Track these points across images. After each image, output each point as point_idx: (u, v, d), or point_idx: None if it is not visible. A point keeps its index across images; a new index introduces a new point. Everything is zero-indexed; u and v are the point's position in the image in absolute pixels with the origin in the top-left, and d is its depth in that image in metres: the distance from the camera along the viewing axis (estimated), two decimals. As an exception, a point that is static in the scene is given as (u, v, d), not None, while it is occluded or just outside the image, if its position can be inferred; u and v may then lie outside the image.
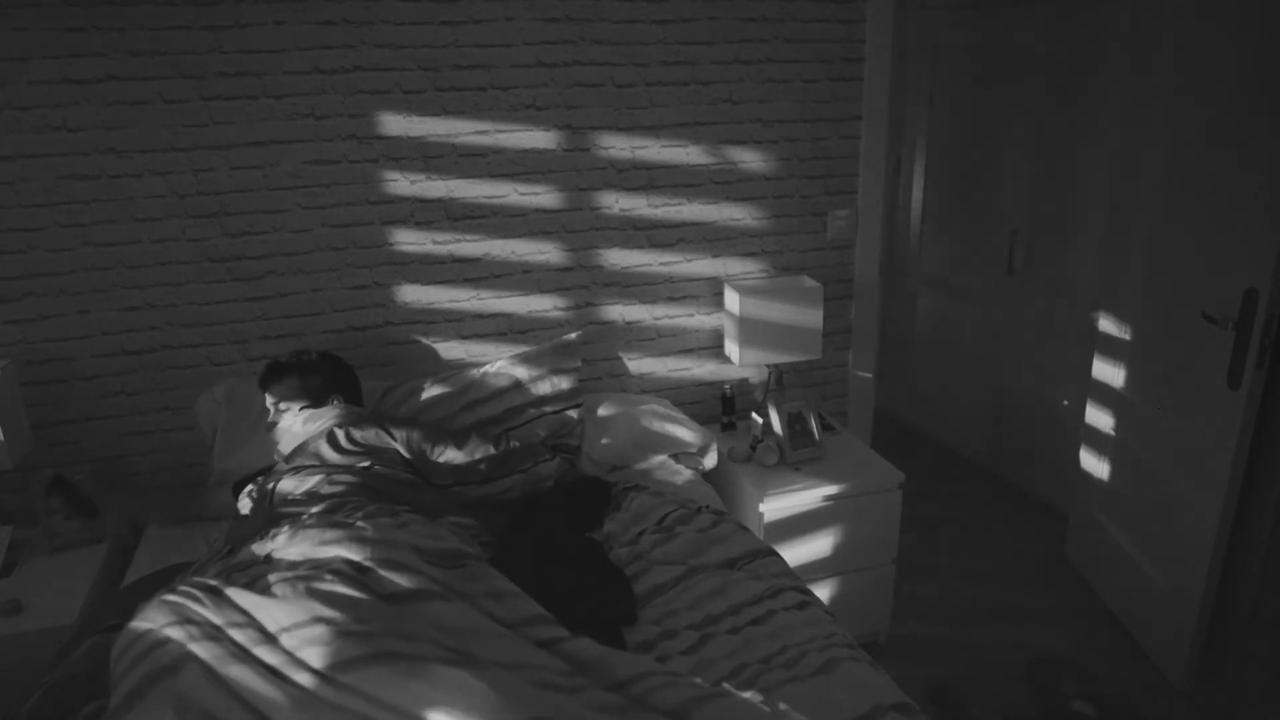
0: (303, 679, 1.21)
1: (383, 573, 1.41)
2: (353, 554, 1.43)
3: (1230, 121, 2.20)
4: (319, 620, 1.27)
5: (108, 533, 2.22)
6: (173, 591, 1.36)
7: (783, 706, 1.36)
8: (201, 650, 1.26)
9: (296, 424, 2.04)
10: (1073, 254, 3.18)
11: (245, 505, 2.00)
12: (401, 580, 1.40)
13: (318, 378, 2.11)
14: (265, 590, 1.37)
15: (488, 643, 1.35)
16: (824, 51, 2.61)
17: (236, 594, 1.35)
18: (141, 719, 1.19)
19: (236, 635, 1.28)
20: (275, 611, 1.30)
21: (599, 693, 1.32)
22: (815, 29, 2.58)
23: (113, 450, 2.37)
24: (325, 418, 2.04)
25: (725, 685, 1.43)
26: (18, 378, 2.20)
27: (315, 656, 1.22)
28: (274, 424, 2.07)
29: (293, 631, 1.26)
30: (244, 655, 1.26)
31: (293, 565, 1.45)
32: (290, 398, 2.07)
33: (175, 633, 1.28)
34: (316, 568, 1.41)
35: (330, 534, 1.49)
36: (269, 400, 2.09)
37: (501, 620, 1.45)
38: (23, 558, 2.11)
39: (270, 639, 1.27)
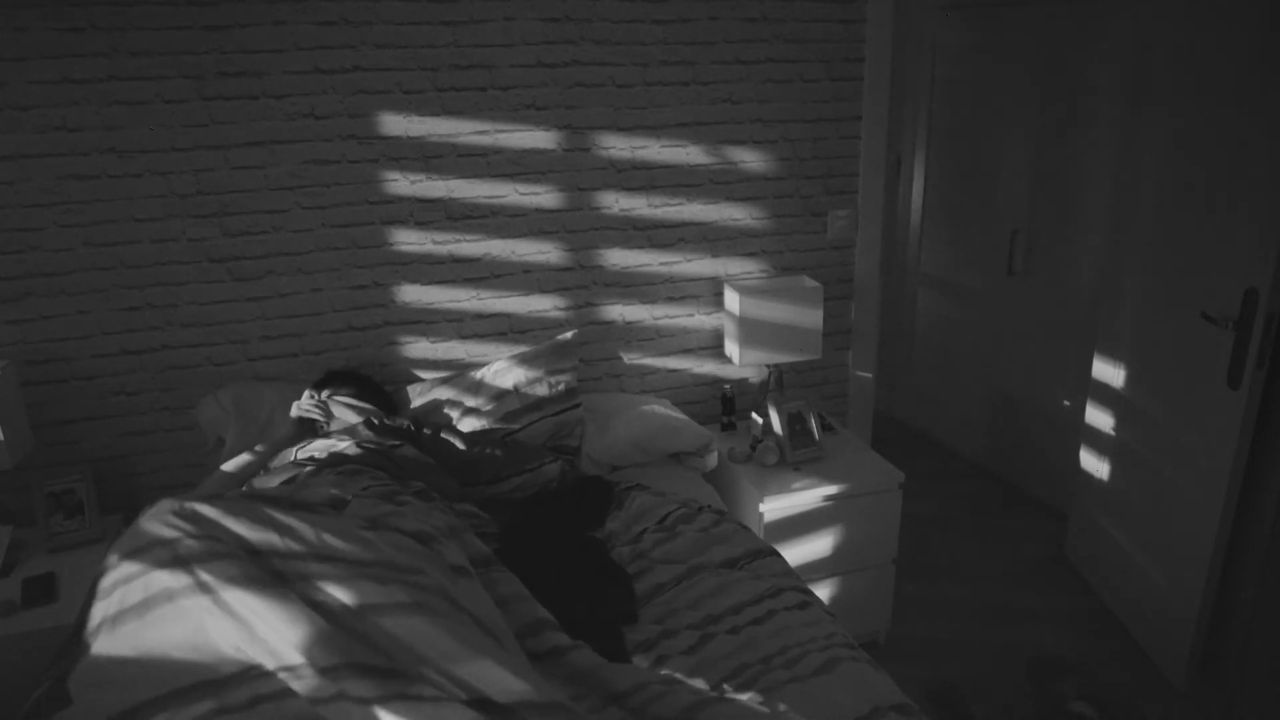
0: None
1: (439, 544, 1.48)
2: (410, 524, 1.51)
3: (1230, 121, 2.20)
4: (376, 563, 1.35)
5: (108, 533, 2.22)
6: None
7: (782, 707, 1.36)
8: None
9: (348, 409, 2.16)
10: (1073, 254, 3.18)
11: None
12: (455, 554, 1.49)
13: (369, 383, 2.30)
14: (334, 518, 1.46)
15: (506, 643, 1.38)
16: (824, 51, 2.61)
17: (287, 512, 1.41)
18: None
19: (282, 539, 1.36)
20: (332, 538, 1.37)
21: (601, 713, 1.33)
22: (815, 29, 2.58)
23: (113, 450, 2.37)
24: (369, 410, 2.18)
25: (725, 686, 1.43)
26: (18, 378, 2.20)
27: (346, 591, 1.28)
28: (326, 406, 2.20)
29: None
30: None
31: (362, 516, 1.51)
32: (344, 389, 2.22)
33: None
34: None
35: (385, 506, 1.56)
36: (323, 395, 2.19)
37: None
38: (23, 558, 2.12)
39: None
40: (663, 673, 1.46)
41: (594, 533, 1.99)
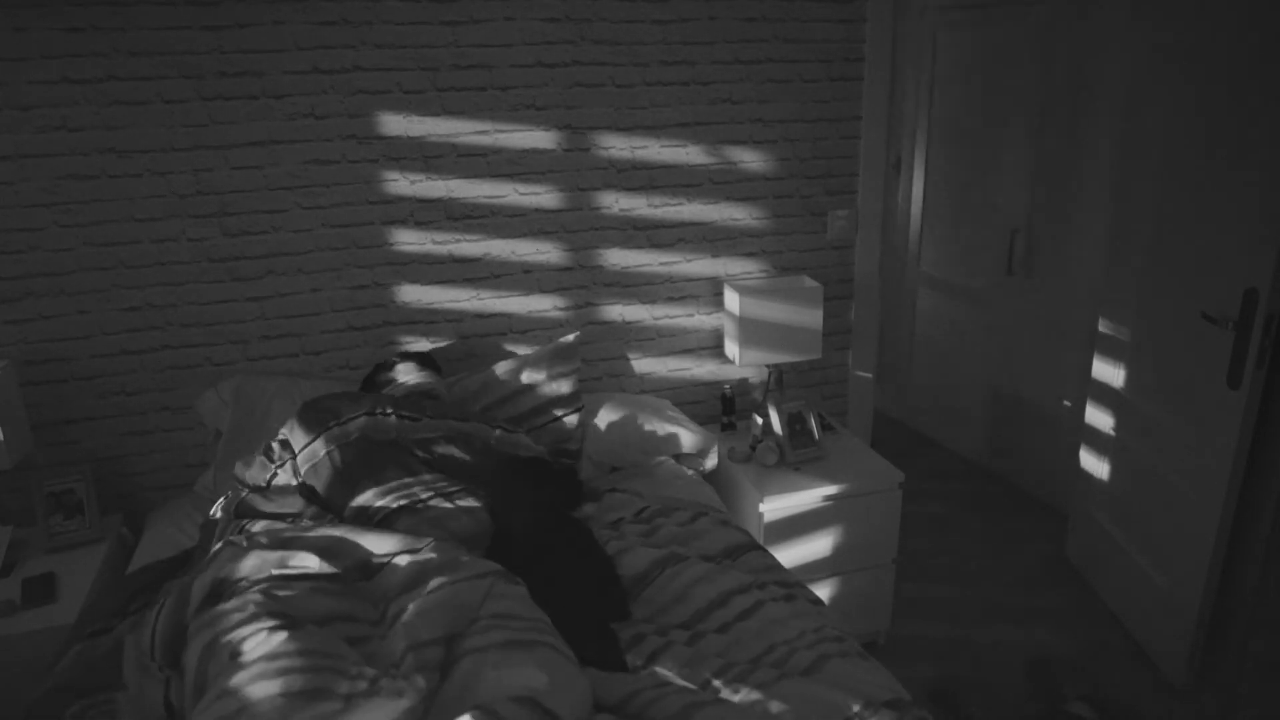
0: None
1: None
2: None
3: (1229, 121, 2.20)
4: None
5: (108, 533, 2.22)
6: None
7: (775, 708, 1.36)
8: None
9: (411, 374, 2.28)
10: (1073, 254, 3.18)
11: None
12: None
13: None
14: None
15: None
16: (824, 51, 2.61)
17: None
18: None
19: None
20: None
21: None
22: (815, 29, 2.58)
23: (113, 450, 2.37)
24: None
25: (715, 684, 1.42)
26: (18, 378, 2.20)
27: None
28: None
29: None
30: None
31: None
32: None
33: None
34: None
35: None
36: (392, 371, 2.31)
37: None
38: (22, 558, 2.12)
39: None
40: (649, 671, 1.46)
41: (572, 513, 1.99)
